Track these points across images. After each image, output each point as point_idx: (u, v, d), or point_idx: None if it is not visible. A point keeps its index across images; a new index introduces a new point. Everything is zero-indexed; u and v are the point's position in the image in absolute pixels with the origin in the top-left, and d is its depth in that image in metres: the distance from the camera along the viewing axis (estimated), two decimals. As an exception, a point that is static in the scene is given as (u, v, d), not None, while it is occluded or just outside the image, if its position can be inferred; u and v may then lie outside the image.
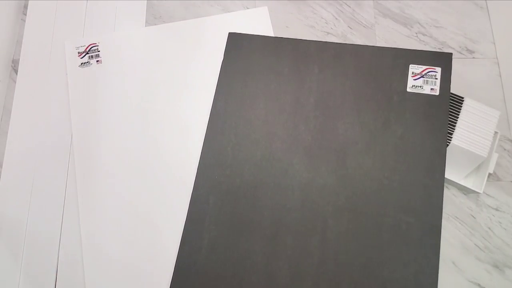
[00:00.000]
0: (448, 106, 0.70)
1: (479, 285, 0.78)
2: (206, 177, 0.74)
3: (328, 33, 0.96)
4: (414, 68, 0.72)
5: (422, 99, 0.71)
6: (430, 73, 0.72)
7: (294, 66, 0.79)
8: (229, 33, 0.86)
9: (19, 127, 0.89)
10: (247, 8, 0.96)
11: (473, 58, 0.94)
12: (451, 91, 0.81)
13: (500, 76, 0.92)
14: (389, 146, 0.70)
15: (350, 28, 0.96)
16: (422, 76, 0.72)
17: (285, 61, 0.80)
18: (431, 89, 0.71)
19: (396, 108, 0.72)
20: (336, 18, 0.97)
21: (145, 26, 0.96)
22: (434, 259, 0.63)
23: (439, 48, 0.94)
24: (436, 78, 0.71)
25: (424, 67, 0.73)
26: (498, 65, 0.93)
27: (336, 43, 0.80)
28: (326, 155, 0.71)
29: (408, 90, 0.71)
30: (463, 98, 0.80)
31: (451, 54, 0.74)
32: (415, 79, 0.71)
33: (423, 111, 0.71)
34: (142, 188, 0.81)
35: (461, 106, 0.79)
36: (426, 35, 0.95)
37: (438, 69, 0.72)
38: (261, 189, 0.71)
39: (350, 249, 0.64)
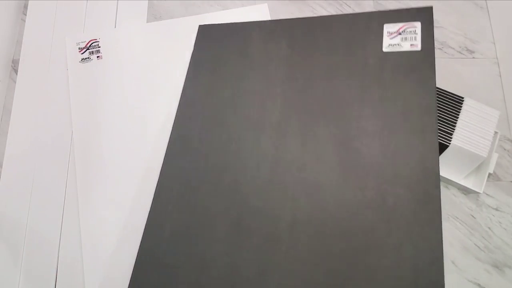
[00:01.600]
0: (434, 59, 0.62)
1: (479, 285, 0.78)
2: (172, 165, 0.71)
3: (328, 33, 0.96)
4: (389, 28, 0.65)
5: (401, 57, 0.64)
6: (408, 30, 0.64)
7: (262, 47, 0.76)
8: (199, 25, 0.85)
9: (19, 127, 0.89)
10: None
11: (473, 58, 0.94)
12: (451, 91, 0.81)
13: (500, 76, 0.92)
14: (366, 111, 0.62)
15: (350, 28, 0.96)
16: (399, 34, 0.65)
17: (253, 43, 0.77)
18: (411, 45, 0.63)
19: (372, 71, 0.65)
20: (336, 18, 0.97)
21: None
22: (434, 237, 0.50)
23: (439, 48, 0.94)
24: (416, 33, 0.63)
25: (401, 24, 0.65)
26: (498, 65, 0.93)
27: (305, 17, 0.76)
28: (295, 129, 0.65)
29: (385, 50, 0.64)
30: (463, 98, 0.80)
31: (431, 7, 0.65)
32: (391, 38, 0.64)
33: (404, 69, 0.63)
34: (143, 187, 0.81)
35: (461, 106, 0.79)
36: (426, 35, 0.95)
37: (418, 24, 0.64)
38: (226, 172, 0.66)
39: (325, 233, 0.56)
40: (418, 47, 0.64)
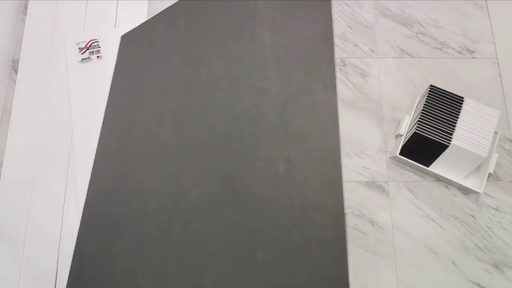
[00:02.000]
0: None
1: (479, 285, 0.78)
2: (95, 179, 0.70)
3: (328, 33, 0.96)
4: None
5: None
6: None
7: (165, 35, 0.73)
8: (121, 36, 0.85)
9: (19, 127, 0.89)
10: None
11: (473, 58, 0.94)
12: (451, 91, 0.81)
13: (500, 76, 0.92)
14: (257, 62, 0.55)
15: (350, 28, 0.96)
16: None
17: (158, 34, 0.74)
18: None
19: (261, 13, 0.58)
20: (336, 18, 0.97)
21: (145, 26, 0.96)
22: (335, 208, 0.41)
23: (439, 48, 0.94)
24: None
25: None
26: (498, 65, 0.93)
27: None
28: (190, 109, 0.60)
29: None
30: (463, 98, 0.80)
31: None
32: None
33: (293, 4, 0.56)
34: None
35: (461, 106, 0.79)
36: (426, 35, 0.95)
37: None
38: (133, 177, 0.63)
39: (213, 228, 0.49)
40: None
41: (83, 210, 0.70)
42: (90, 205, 0.70)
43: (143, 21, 0.83)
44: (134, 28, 0.83)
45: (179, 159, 0.58)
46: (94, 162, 0.73)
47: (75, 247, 0.67)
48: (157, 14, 0.78)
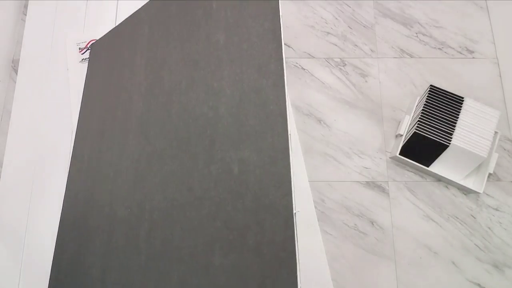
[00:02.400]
0: None
1: (479, 285, 0.78)
2: (70, 191, 0.71)
3: (328, 33, 0.96)
4: None
5: None
6: None
7: (129, 40, 0.72)
8: (90, 45, 0.85)
9: (19, 127, 0.89)
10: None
11: (473, 58, 0.94)
12: (451, 91, 0.81)
13: (500, 76, 0.92)
14: (212, 64, 0.54)
15: (350, 28, 0.96)
16: None
17: (123, 41, 0.74)
18: None
19: (216, 14, 0.58)
20: (336, 18, 0.97)
21: (145, 26, 0.96)
22: (285, 209, 0.40)
23: (439, 48, 0.94)
24: None
25: None
26: (498, 65, 0.93)
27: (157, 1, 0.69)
28: (154, 114, 0.59)
29: None
30: (463, 98, 0.80)
31: None
32: None
33: (246, 2, 0.55)
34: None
35: (461, 106, 0.79)
36: (426, 35, 0.95)
37: None
38: (102, 185, 0.63)
39: (176, 232, 0.48)
40: None
41: (60, 220, 0.70)
42: (66, 214, 0.71)
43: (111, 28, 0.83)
44: (103, 36, 0.83)
45: (144, 165, 0.58)
46: (68, 171, 0.74)
47: (54, 256, 0.67)
48: (123, 20, 0.77)
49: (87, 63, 0.92)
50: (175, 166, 0.53)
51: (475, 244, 0.80)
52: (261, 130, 0.45)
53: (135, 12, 0.75)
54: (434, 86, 0.81)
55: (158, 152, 0.57)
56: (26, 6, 1.00)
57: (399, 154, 0.82)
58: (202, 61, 0.57)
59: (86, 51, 0.93)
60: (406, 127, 0.83)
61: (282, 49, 0.47)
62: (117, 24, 0.96)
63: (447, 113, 0.79)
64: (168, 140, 0.56)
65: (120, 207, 0.58)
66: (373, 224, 0.82)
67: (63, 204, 0.71)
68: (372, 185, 0.84)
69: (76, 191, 0.70)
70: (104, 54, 0.80)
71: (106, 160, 0.65)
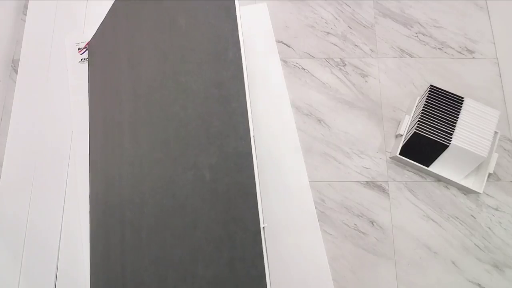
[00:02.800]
0: None
1: (479, 285, 0.78)
2: (93, 193, 0.72)
3: (328, 33, 0.96)
4: None
5: None
6: None
7: (114, 36, 0.70)
8: (87, 45, 0.84)
9: (19, 127, 0.89)
10: (247, 8, 0.96)
11: (473, 58, 0.94)
12: (451, 91, 0.81)
13: (500, 76, 0.92)
14: (178, 54, 0.50)
15: (350, 28, 0.96)
16: None
17: (110, 37, 0.72)
18: None
19: (176, 1, 0.54)
20: (336, 18, 0.97)
21: (145, 26, 0.96)
22: (252, 222, 0.39)
23: (439, 48, 0.94)
24: None
25: None
26: (498, 65, 0.93)
27: None
28: (141, 116, 0.57)
29: None
30: (463, 98, 0.80)
31: None
32: None
33: None
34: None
35: (461, 106, 0.79)
36: (426, 35, 0.95)
37: None
38: (112, 188, 0.63)
39: (167, 239, 0.48)
40: None
41: (90, 218, 0.73)
42: (94, 214, 0.72)
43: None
44: (95, 34, 0.81)
45: (138, 169, 0.57)
46: (89, 173, 0.75)
47: (90, 251, 0.71)
48: (105, 15, 0.72)
49: (86, 63, 0.92)
50: (160, 171, 0.52)
51: (475, 244, 0.80)
52: (225, 133, 0.43)
53: (110, 7, 0.71)
54: (434, 86, 0.81)
55: (146, 155, 0.55)
56: (26, 6, 1.00)
57: (399, 154, 0.82)
58: (170, 53, 0.53)
59: (86, 51, 0.93)
60: (406, 127, 0.83)
61: (238, 32, 0.42)
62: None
63: (447, 113, 0.79)
64: (153, 143, 0.54)
65: (126, 210, 0.58)
66: (373, 224, 0.82)
67: (90, 203, 0.75)
68: (372, 185, 0.84)
69: (96, 192, 0.71)
70: (99, 53, 0.80)
71: (112, 163, 0.65)
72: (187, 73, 0.50)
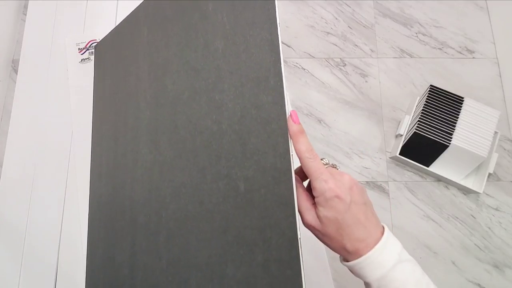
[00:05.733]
0: None
1: (479, 285, 0.78)
2: (93, 194, 0.72)
3: (328, 33, 0.96)
4: None
5: None
6: None
7: (129, 42, 0.73)
8: (95, 45, 0.85)
9: (19, 127, 0.89)
10: (247, 8, 0.96)
11: (473, 58, 0.94)
12: (451, 91, 0.81)
13: (500, 76, 0.92)
14: (213, 73, 0.53)
15: (350, 28, 0.96)
16: None
17: (124, 42, 0.74)
18: None
19: (213, 19, 0.56)
20: (336, 18, 0.97)
21: (145, 26, 0.96)
22: (287, 220, 0.41)
23: (439, 48, 0.94)
24: None
25: None
26: (498, 65, 0.93)
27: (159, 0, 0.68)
28: (161, 123, 0.60)
29: None
30: (463, 98, 0.80)
31: None
32: None
33: (243, 2, 0.53)
34: (142, 188, 0.81)
35: (461, 106, 0.79)
36: (426, 35, 0.95)
37: None
38: (122, 191, 0.65)
39: (191, 242, 0.51)
40: None
41: (89, 220, 0.72)
42: (94, 215, 0.72)
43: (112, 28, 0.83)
44: (106, 35, 0.83)
45: (157, 174, 0.58)
46: (90, 175, 0.75)
47: (87, 260, 0.70)
48: (124, 19, 0.75)
49: (86, 64, 0.92)
50: (185, 178, 0.54)
51: (475, 244, 0.80)
52: (263, 150, 0.44)
53: (134, 10, 0.75)
54: (434, 86, 0.81)
55: (168, 162, 0.57)
56: (26, 6, 1.00)
57: (399, 154, 0.82)
58: (203, 71, 0.56)
59: (86, 51, 0.93)
60: (406, 127, 0.83)
61: (281, 63, 0.44)
62: (117, 24, 0.96)
63: (447, 113, 0.79)
64: (177, 151, 0.56)
65: (140, 214, 0.60)
66: (373, 224, 0.82)
67: (89, 205, 0.74)
68: (372, 185, 0.84)
69: (99, 194, 0.71)
70: (109, 56, 0.80)
71: (122, 166, 0.66)
72: (222, 92, 0.51)
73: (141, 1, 0.97)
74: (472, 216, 0.82)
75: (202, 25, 0.57)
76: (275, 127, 0.43)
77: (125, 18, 0.77)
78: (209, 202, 0.49)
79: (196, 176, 0.51)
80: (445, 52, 0.94)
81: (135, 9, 0.74)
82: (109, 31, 0.93)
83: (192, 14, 0.60)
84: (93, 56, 0.91)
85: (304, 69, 0.92)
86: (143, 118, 0.64)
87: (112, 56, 0.79)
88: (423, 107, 0.79)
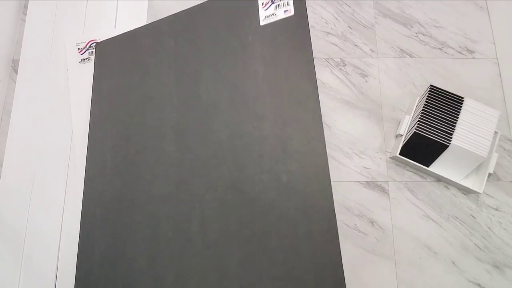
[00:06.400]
0: (307, 22, 0.61)
1: (479, 285, 0.78)
2: (91, 190, 0.72)
3: (328, 33, 0.96)
4: None
5: (277, 26, 0.64)
6: None
7: (151, 49, 0.76)
8: (95, 43, 0.86)
9: (19, 127, 0.89)
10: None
11: (473, 58, 0.94)
12: (451, 91, 0.81)
13: (500, 76, 0.92)
14: (252, 91, 0.62)
15: (350, 28, 0.96)
16: (273, 2, 0.65)
17: (143, 48, 0.77)
18: (285, 11, 0.64)
19: (253, 48, 0.65)
20: (336, 18, 0.97)
21: (145, 26, 0.96)
22: (327, 206, 0.52)
23: (439, 48, 0.94)
24: None
25: None
26: (498, 65, 0.93)
27: (186, 9, 0.73)
28: (192, 126, 0.65)
29: (262, 23, 0.64)
30: (463, 98, 0.80)
31: None
32: (266, 9, 0.65)
33: (280, 39, 0.63)
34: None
35: (461, 106, 0.79)
36: (426, 35, 0.95)
37: None
38: (139, 186, 0.67)
39: (231, 224, 0.57)
40: (291, 12, 0.63)
41: (82, 217, 0.72)
42: (89, 212, 0.72)
43: (133, 28, 0.83)
44: (112, 38, 0.84)
45: (186, 170, 0.64)
46: (86, 171, 0.75)
47: (78, 254, 0.70)
48: (136, 29, 0.80)
49: (86, 64, 0.92)
50: (222, 173, 0.60)
51: (475, 244, 0.80)
52: (304, 151, 0.56)
53: (154, 22, 0.79)
54: (434, 86, 0.81)
55: (201, 160, 0.63)
56: (26, 6, 1.00)
57: (399, 154, 0.82)
58: (242, 87, 0.64)
59: (86, 51, 0.93)
60: (406, 127, 0.83)
61: (317, 91, 0.57)
62: (117, 24, 0.96)
63: (447, 113, 0.79)
64: (212, 150, 0.63)
65: (163, 206, 0.63)
66: (373, 224, 0.82)
67: (83, 202, 0.73)
68: (372, 185, 0.84)
69: (100, 190, 0.72)
70: (116, 57, 0.82)
71: (137, 162, 0.69)
72: (263, 106, 0.61)
73: (141, 1, 0.99)
74: (472, 216, 0.82)
75: (241, 51, 0.66)
76: (314, 136, 0.55)
77: (141, 27, 0.80)
78: (251, 192, 0.57)
79: (236, 171, 0.59)
80: (445, 52, 0.94)
81: (155, 21, 0.78)
82: (110, 31, 0.94)
83: (229, 40, 0.68)
84: (93, 56, 0.91)
85: (304, 69, 0.92)
86: (168, 119, 0.68)
87: (120, 58, 0.80)
88: (423, 107, 0.79)
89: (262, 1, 0.66)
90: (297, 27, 0.62)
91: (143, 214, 0.65)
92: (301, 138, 0.56)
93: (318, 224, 0.51)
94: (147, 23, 0.96)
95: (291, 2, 0.64)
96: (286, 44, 0.62)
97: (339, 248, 0.49)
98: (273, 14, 0.65)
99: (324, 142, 0.54)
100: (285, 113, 0.59)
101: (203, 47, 0.70)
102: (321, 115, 0.56)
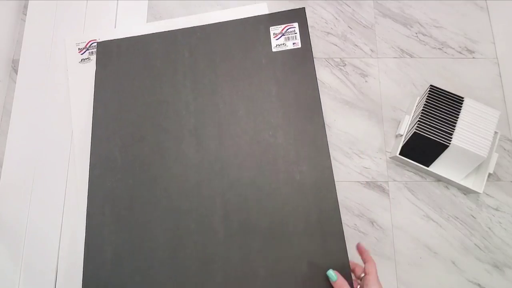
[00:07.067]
0: (311, 54, 0.75)
1: (479, 285, 0.78)
2: (98, 188, 0.73)
3: (328, 33, 0.96)
4: (274, 29, 0.78)
5: (287, 55, 0.75)
6: (289, 30, 0.77)
7: (165, 57, 0.80)
8: (97, 43, 0.86)
9: (19, 127, 0.89)
10: (247, 8, 0.96)
11: (473, 58, 0.94)
12: (451, 91, 0.81)
13: (500, 76, 0.92)
14: (267, 105, 0.73)
15: (350, 28, 0.96)
16: (283, 34, 0.77)
17: (156, 55, 0.81)
18: (293, 43, 0.76)
19: (266, 69, 0.75)
20: (336, 18, 0.97)
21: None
22: (330, 196, 0.66)
23: (439, 48, 0.94)
24: (296, 33, 0.77)
25: (283, 25, 0.78)
26: (498, 65, 0.93)
27: (202, 25, 0.82)
28: (211, 131, 0.73)
29: (274, 50, 0.76)
30: (463, 98, 0.80)
31: (303, 8, 0.78)
32: (277, 39, 0.77)
33: (290, 65, 0.75)
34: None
35: (461, 106, 0.79)
36: (426, 35, 0.95)
37: (295, 24, 0.77)
38: (155, 184, 0.71)
39: (252, 216, 0.66)
40: (298, 45, 0.76)
41: (87, 217, 0.73)
42: (95, 209, 0.73)
43: (136, 34, 0.85)
44: (116, 39, 0.84)
45: (206, 170, 0.71)
46: (90, 169, 0.76)
47: (85, 252, 0.70)
48: (147, 35, 0.83)
49: (86, 64, 0.92)
50: (242, 173, 0.69)
51: (475, 244, 0.80)
52: (313, 156, 0.69)
53: (167, 31, 0.83)
54: (434, 86, 0.81)
55: (221, 161, 0.70)
56: (26, 6, 1.00)
57: (399, 154, 0.82)
58: (258, 100, 0.74)
59: (86, 51, 0.93)
60: (406, 127, 0.83)
61: (321, 108, 0.71)
62: (117, 24, 0.96)
63: (447, 113, 0.79)
64: (231, 153, 0.71)
65: (184, 202, 0.69)
66: (373, 224, 0.82)
67: (88, 202, 0.73)
68: (372, 185, 0.84)
69: (109, 188, 0.73)
70: (122, 59, 0.85)
71: (152, 162, 0.73)
72: (277, 117, 0.72)
73: (141, 1, 1.00)
74: (472, 216, 0.82)
75: (255, 71, 0.76)
76: (320, 143, 0.69)
77: (152, 34, 0.83)
78: (268, 188, 0.68)
79: (254, 171, 0.69)
80: (445, 52, 0.94)
81: (169, 31, 0.83)
82: (110, 31, 0.94)
83: (244, 60, 0.77)
84: (93, 56, 0.91)
85: (304, 69, 0.92)
86: (185, 124, 0.74)
87: (128, 61, 0.83)
88: (423, 107, 0.79)
89: (274, 32, 0.78)
90: (303, 57, 0.75)
91: (162, 210, 0.69)
92: (310, 146, 0.69)
93: (325, 212, 0.65)
94: (147, 23, 0.96)
95: (298, 37, 0.76)
96: (295, 70, 0.74)
97: (341, 224, 0.64)
98: (283, 44, 0.77)
99: (328, 148, 0.68)
100: (295, 125, 0.70)
101: (219, 63, 0.78)
102: (324, 125, 0.70)
